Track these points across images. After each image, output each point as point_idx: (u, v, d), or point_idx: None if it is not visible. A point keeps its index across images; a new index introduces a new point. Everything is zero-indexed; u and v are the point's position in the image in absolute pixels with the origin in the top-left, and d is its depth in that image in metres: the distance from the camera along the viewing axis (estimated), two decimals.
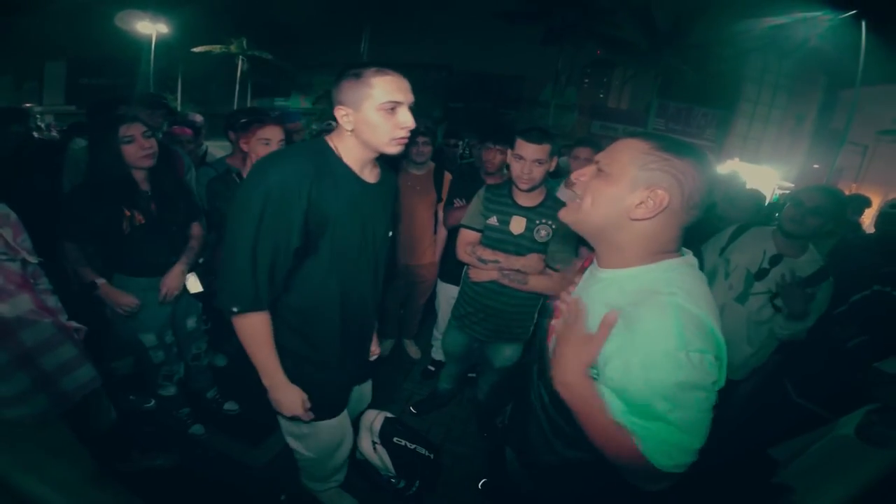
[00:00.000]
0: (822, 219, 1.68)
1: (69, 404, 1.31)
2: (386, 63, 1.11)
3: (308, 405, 1.25)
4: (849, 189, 14.60)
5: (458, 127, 5.43)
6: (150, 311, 1.79)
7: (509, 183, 1.83)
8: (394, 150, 1.14)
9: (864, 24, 9.20)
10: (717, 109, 20.00)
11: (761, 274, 1.80)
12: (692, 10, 17.05)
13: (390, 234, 1.36)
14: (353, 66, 1.10)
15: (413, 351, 2.95)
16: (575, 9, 17.83)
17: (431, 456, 1.77)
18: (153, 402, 2.15)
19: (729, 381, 2.03)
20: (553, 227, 1.76)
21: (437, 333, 2.75)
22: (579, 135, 16.86)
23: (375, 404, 1.84)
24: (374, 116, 1.08)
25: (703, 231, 2.41)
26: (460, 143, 4.08)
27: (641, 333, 0.75)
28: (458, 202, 2.31)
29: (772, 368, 1.96)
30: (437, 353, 2.78)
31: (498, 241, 1.81)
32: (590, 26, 18.29)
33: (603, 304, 0.84)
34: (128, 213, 1.64)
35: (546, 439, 1.01)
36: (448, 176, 2.60)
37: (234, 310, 1.10)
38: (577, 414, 0.84)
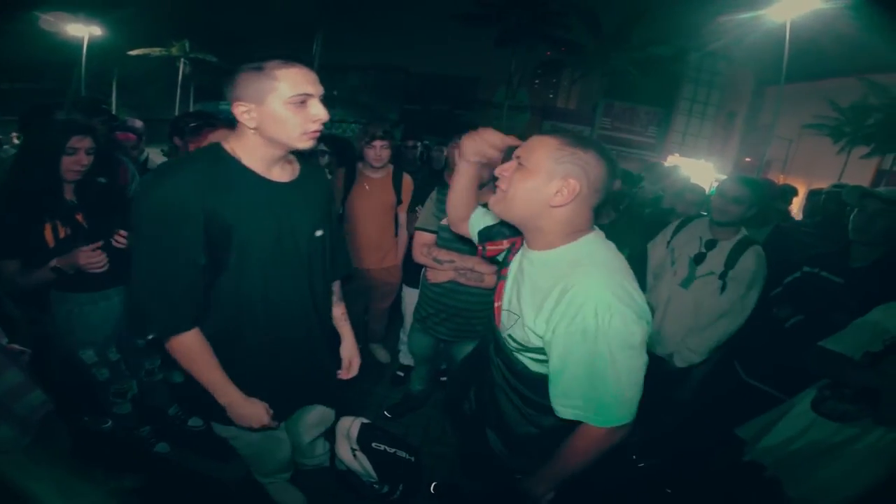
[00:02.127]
0: (744, 205, 1.87)
1: (32, 430, 1.21)
2: (290, 56, 1.02)
3: (271, 412, 1.21)
4: (777, 179, 15.85)
5: (416, 128, 5.42)
6: (87, 326, 1.69)
7: None
8: (306, 144, 1.06)
9: (788, 24, 10.01)
10: (659, 108, 21.19)
11: (699, 258, 1.97)
12: (635, 13, 17.94)
13: (319, 233, 1.24)
14: (251, 60, 1.00)
15: (381, 355, 2.92)
16: (528, 11, 18.30)
17: (412, 459, 1.77)
18: (110, 422, 2.01)
19: (680, 368, 2.13)
20: None
21: (405, 338, 2.73)
22: (531, 135, 17.26)
23: (348, 411, 1.82)
24: (282, 111, 1.00)
25: (655, 224, 2.56)
26: (419, 144, 4.07)
27: (575, 306, 0.87)
28: (420, 210, 2.31)
29: (723, 350, 2.08)
30: (405, 358, 2.76)
31: (452, 240, 1.82)
32: (542, 28, 18.82)
33: (535, 285, 0.98)
34: (48, 225, 1.53)
35: (520, 412, 1.08)
36: (407, 178, 2.59)
37: (150, 336, 1.04)
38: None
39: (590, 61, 19.39)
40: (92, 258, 1.52)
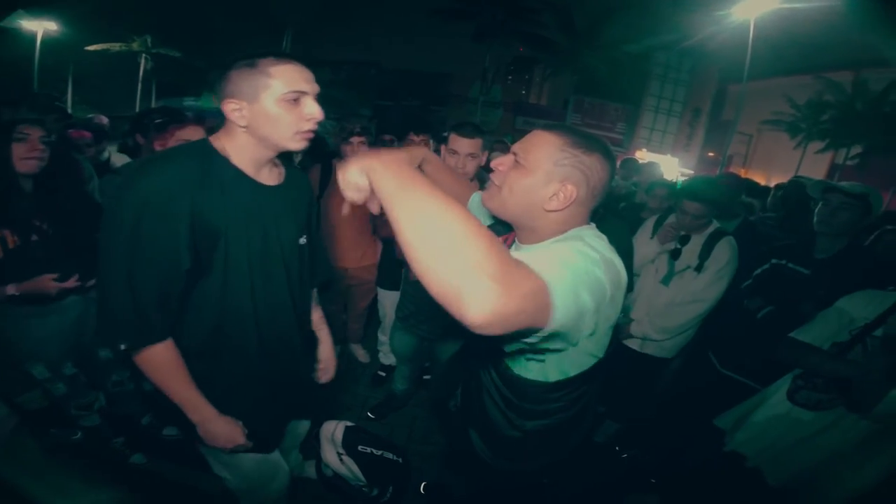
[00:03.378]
0: (705, 218, 1.96)
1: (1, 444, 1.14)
2: (285, 53, 0.99)
3: (245, 431, 1.12)
4: (739, 173, 16.43)
5: (389, 124, 5.32)
6: (34, 341, 1.58)
7: None
8: (298, 145, 1.02)
9: (752, 23, 10.38)
10: (627, 105, 21.71)
11: (675, 254, 2.02)
12: (606, 10, 18.30)
13: (303, 241, 1.20)
14: (245, 56, 0.96)
15: (361, 355, 2.89)
16: (504, 7, 18.36)
17: (400, 460, 1.75)
18: (80, 433, 1.91)
19: (660, 360, 2.19)
20: None
21: (383, 338, 2.71)
22: (505, 130, 17.48)
23: (330, 413, 1.79)
24: (275, 109, 0.96)
25: (629, 219, 2.61)
26: (395, 139, 4.02)
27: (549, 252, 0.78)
28: None
29: (697, 342, 2.13)
30: (386, 358, 2.74)
31: None
32: (517, 25, 18.95)
33: None
34: None
35: (505, 415, 1.06)
36: None
37: (122, 347, 0.96)
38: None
39: (562, 58, 19.69)
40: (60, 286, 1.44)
